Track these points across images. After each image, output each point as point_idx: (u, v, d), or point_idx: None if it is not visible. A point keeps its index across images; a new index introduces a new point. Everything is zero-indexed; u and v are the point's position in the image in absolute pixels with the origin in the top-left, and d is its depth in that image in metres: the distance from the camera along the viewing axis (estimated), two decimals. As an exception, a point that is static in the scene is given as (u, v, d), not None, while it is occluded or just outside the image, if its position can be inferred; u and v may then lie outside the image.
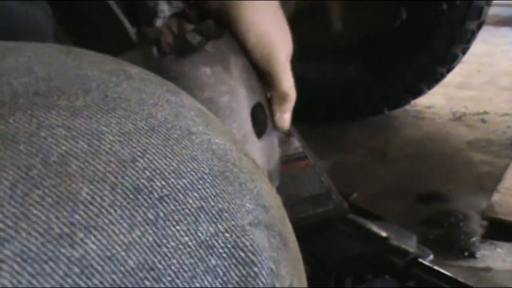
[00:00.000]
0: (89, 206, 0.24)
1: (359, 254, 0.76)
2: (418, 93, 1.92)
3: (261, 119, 0.63)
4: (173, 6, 0.61)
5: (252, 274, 0.27)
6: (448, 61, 1.85)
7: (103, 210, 0.24)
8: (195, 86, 0.56)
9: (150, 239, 0.25)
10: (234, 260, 0.26)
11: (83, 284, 0.23)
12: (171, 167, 0.27)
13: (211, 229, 0.26)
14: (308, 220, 0.78)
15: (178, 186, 0.27)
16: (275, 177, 0.66)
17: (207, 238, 0.26)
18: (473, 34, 1.81)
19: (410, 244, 0.77)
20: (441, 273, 0.71)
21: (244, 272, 0.27)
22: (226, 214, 0.27)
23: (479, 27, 1.81)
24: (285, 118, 0.67)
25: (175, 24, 0.60)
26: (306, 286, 0.33)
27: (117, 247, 0.24)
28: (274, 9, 0.66)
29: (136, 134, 0.27)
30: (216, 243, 0.26)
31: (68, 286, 0.22)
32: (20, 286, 0.22)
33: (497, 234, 1.24)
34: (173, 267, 0.25)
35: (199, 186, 0.27)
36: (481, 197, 1.40)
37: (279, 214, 0.32)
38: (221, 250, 0.26)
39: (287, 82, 0.66)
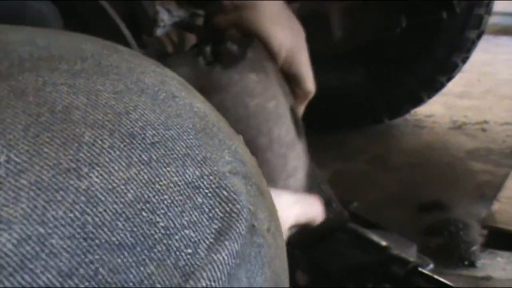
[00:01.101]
0: (92, 147, 0.28)
1: (359, 263, 0.76)
2: (418, 102, 1.92)
3: (297, 122, 0.64)
4: (173, 16, 0.61)
5: (235, 210, 0.30)
6: (448, 70, 1.85)
7: (104, 151, 0.28)
8: (246, 94, 0.57)
9: (146, 176, 0.28)
10: (218, 199, 0.30)
11: (89, 211, 0.26)
12: (159, 120, 0.31)
13: (197, 172, 0.30)
14: (308, 229, 0.78)
15: (167, 136, 0.30)
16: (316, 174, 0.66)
17: (194, 180, 0.30)
18: (473, 43, 1.81)
19: (410, 253, 0.77)
20: (441, 282, 0.71)
21: (228, 209, 0.30)
22: (209, 161, 0.31)
23: (479, 36, 1.81)
24: (301, 109, 0.74)
25: (174, 33, 0.60)
26: (283, 236, 0.36)
27: (117, 181, 0.27)
28: (288, 15, 0.68)
29: (127, 93, 0.31)
30: (201, 184, 0.30)
31: (77, 213, 0.26)
32: (36, 211, 0.25)
33: (497, 243, 1.24)
34: (165, 202, 0.28)
35: (185, 137, 0.31)
36: (481, 206, 1.40)
37: (255, 169, 0.35)
38: (206, 190, 0.30)
39: (310, 80, 0.72)
